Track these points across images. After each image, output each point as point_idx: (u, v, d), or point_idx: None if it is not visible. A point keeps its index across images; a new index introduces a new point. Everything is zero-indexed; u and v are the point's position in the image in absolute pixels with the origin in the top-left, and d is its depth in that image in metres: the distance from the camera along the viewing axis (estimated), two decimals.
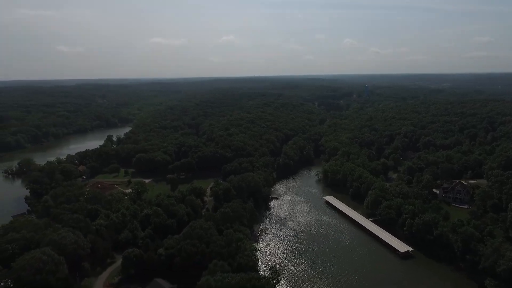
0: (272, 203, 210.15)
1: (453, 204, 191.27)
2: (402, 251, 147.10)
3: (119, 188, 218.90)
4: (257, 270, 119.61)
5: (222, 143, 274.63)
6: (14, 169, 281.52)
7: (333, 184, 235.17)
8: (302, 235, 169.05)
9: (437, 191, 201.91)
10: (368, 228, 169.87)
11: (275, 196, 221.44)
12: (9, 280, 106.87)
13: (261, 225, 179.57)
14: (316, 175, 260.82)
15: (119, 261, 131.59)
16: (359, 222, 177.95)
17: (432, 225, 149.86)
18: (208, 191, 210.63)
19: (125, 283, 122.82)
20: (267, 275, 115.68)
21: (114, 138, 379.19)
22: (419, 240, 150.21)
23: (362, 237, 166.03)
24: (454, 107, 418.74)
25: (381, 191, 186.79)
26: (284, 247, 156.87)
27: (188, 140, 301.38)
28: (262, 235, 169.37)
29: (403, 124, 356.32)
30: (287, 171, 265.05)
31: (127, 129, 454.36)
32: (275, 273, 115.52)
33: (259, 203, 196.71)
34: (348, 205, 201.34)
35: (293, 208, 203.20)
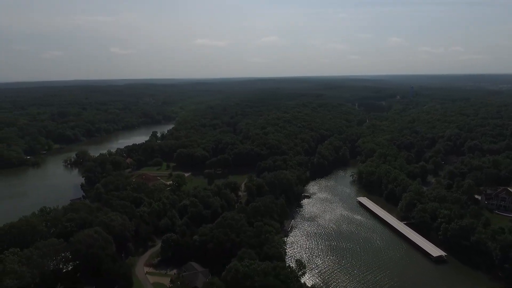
0: (304, 201, 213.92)
1: (496, 211, 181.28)
2: (435, 255, 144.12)
3: (161, 180, 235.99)
4: (283, 261, 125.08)
5: (258, 141, 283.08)
6: (72, 159, 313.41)
7: (367, 185, 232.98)
8: (332, 232, 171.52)
9: (479, 197, 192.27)
10: (400, 231, 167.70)
11: (308, 194, 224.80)
12: (68, 252, 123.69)
13: (292, 221, 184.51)
14: (350, 175, 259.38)
15: (159, 245, 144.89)
16: (392, 224, 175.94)
17: (470, 230, 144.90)
18: (243, 186, 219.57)
19: (163, 264, 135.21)
20: (292, 266, 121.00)
21: (158, 134, 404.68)
22: (454, 245, 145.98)
23: (394, 239, 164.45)
24: (508, 110, 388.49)
25: (416, 194, 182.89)
26: (313, 242, 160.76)
27: (225, 137, 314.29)
28: (292, 230, 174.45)
29: (447, 127, 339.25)
30: (321, 171, 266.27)
31: (170, 126, 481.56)
32: (301, 265, 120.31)
33: (291, 200, 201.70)
34: (382, 207, 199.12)
35: (325, 207, 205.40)
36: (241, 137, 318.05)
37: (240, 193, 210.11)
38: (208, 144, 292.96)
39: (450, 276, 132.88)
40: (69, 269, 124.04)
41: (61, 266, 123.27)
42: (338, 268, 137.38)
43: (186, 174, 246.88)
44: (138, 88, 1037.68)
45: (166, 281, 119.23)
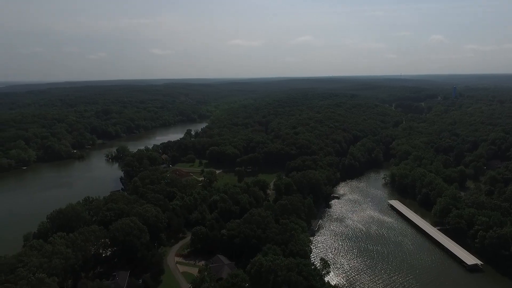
0: (333, 202, 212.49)
1: None
2: (469, 264, 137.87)
3: (193, 176, 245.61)
4: (308, 259, 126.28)
5: (288, 140, 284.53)
6: (113, 154, 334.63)
7: (400, 188, 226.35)
8: (360, 234, 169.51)
9: None
10: (433, 236, 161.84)
11: (337, 195, 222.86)
12: (107, 239, 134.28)
13: (319, 221, 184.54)
14: (382, 178, 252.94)
15: (189, 237, 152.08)
16: (424, 229, 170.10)
17: (510, 239, 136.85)
18: (272, 185, 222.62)
19: (193, 255, 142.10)
20: (317, 264, 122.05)
21: (193, 132, 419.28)
22: (491, 254, 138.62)
23: (426, 244, 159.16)
24: None
25: (452, 199, 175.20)
26: (340, 243, 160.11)
27: (256, 136, 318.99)
28: (319, 230, 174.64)
29: (492, 130, 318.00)
30: (352, 172, 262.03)
31: (204, 124, 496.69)
32: (325, 264, 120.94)
33: (319, 200, 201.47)
34: (415, 211, 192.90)
35: (354, 208, 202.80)
36: (272, 136, 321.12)
37: (268, 191, 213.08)
38: (239, 143, 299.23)
39: (485, 285, 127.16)
40: (108, 254, 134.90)
41: (101, 251, 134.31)
42: (364, 269, 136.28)
43: (217, 171, 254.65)
44: (175, 88, 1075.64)
45: (194, 271, 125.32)
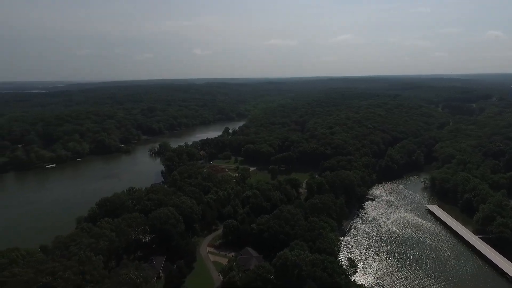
0: (367, 203, 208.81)
1: None
2: None
3: (228, 172, 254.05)
4: (335, 257, 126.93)
5: (323, 140, 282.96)
6: (156, 149, 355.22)
7: (440, 193, 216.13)
8: (393, 237, 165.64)
9: None
10: (473, 245, 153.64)
11: (371, 197, 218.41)
12: (147, 226, 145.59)
13: (351, 221, 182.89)
14: (422, 181, 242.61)
15: (221, 229, 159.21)
16: (464, 236, 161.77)
17: None
18: (304, 184, 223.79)
19: (224, 247, 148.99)
20: (344, 263, 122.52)
21: (230, 130, 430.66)
22: None
23: (465, 252, 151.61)
24: None
25: (497, 207, 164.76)
26: (371, 244, 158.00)
27: (291, 135, 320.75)
28: (350, 230, 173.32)
29: None
30: (390, 174, 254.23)
31: (242, 123, 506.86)
32: (352, 263, 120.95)
33: (352, 201, 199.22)
34: (455, 217, 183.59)
35: (389, 211, 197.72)
36: (307, 136, 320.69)
37: (301, 190, 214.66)
38: (275, 141, 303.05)
39: None
40: (147, 240, 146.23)
41: (141, 236, 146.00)
42: (394, 272, 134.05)
43: (252, 168, 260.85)
44: (215, 87, 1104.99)
45: (224, 261, 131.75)
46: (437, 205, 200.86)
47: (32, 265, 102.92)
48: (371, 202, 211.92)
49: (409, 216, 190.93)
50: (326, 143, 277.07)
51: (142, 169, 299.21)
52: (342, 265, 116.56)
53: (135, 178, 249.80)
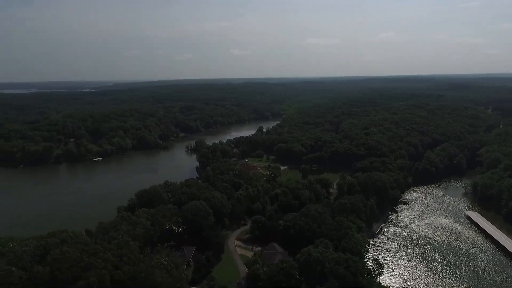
0: (400, 207, 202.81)
1: None
2: None
3: (260, 170, 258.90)
4: (361, 258, 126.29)
5: (357, 141, 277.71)
6: (192, 146, 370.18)
7: (482, 199, 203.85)
8: (426, 242, 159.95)
9: None
10: None
11: (405, 200, 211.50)
12: (179, 217, 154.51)
13: (382, 224, 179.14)
14: (462, 187, 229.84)
15: (249, 224, 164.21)
16: (507, 246, 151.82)
17: None
18: (335, 184, 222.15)
19: (251, 241, 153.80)
20: (369, 264, 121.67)
21: (264, 129, 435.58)
22: None
23: (506, 263, 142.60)
24: None
25: None
26: (401, 248, 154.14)
27: (324, 135, 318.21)
28: (380, 233, 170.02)
29: None
30: (427, 178, 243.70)
31: (276, 122, 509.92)
32: (378, 265, 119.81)
33: (385, 204, 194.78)
34: (498, 226, 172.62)
35: (424, 215, 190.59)
36: (341, 136, 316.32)
37: (331, 190, 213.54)
38: (307, 141, 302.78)
39: None
40: (179, 230, 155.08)
41: (174, 227, 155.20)
42: (424, 276, 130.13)
43: (284, 167, 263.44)
44: (252, 87, 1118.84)
45: (251, 255, 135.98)
46: (478, 212, 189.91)
47: (78, 245, 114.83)
48: (405, 205, 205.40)
49: (446, 221, 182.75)
50: (359, 143, 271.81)
51: (179, 164, 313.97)
52: (367, 265, 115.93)
53: (172, 173, 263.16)
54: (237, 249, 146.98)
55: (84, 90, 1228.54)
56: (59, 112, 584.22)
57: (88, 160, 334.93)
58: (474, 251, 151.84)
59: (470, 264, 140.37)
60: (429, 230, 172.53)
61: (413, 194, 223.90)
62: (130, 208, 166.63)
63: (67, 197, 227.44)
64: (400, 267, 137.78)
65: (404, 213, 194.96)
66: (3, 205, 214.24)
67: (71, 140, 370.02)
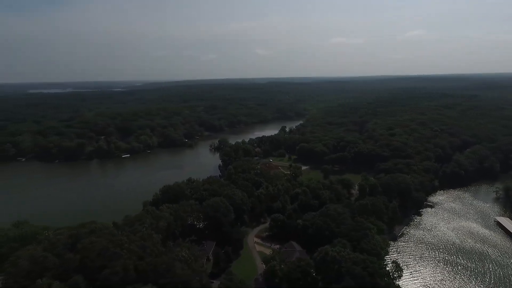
0: (425, 210, 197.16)
1: None
2: None
3: (281, 169, 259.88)
4: (381, 260, 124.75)
5: (381, 142, 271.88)
6: (216, 145, 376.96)
7: None
8: (451, 247, 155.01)
9: None
10: None
11: (431, 203, 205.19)
12: (200, 213, 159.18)
13: (405, 227, 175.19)
14: (494, 191, 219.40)
15: (268, 222, 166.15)
16: None
17: None
18: (357, 185, 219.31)
19: (270, 239, 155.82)
20: (389, 266, 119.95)
21: (287, 129, 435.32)
22: None
23: None
24: None
25: None
26: (424, 251, 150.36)
27: (347, 136, 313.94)
28: (402, 236, 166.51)
29: None
30: (455, 181, 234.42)
31: (300, 122, 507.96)
32: (398, 267, 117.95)
33: (408, 206, 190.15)
34: None
35: (450, 219, 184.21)
36: (365, 136, 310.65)
37: (353, 191, 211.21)
38: (329, 141, 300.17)
39: None
40: (200, 226, 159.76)
41: (195, 222, 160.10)
42: (446, 281, 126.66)
43: (305, 167, 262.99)
44: (275, 86, 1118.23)
45: (269, 252, 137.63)
46: (510, 218, 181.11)
47: (106, 236, 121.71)
48: (430, 208, 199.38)
49: (474, 226, 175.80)
50: (383, 144, 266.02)
51: (202, 162, 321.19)
52: (386, 267, 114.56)
53: (195, 170, 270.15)
54: (256, 246, 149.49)
55: (114, 90, 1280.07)
56: (91, 110, 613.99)
57: (117, 156, 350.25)
58: (503, 258, 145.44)
59: (498, 271, 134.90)
60: (455, 234, 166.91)
61: (439, 198, 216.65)
62: (155, 203, 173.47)
63: (97, 191, 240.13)
64: (423, 271, 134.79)
65: (429, 216, 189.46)
66: (41, 197, 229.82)
67: (102, 137, 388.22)
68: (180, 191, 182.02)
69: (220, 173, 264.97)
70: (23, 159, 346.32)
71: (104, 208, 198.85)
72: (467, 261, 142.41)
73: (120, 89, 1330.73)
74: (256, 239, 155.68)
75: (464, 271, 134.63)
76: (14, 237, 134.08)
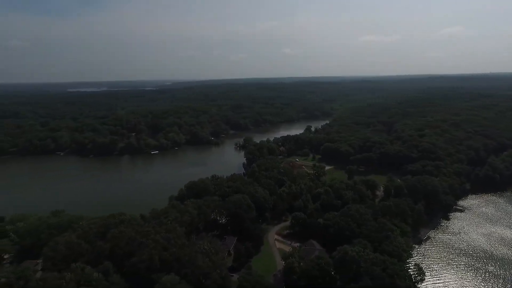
0: (454, 214, 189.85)
1: None
2: None
3: (305, 168, 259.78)
4: (402, 262, 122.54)
5: (409, 143, 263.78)
6: (241, 143, 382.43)
7: None
8: (481, 253, 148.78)
9: None
10: None
11: (460, 207, 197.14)
12: (223, 209, 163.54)
13: (431, 230, 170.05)
14: None
15: (290, 221, 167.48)
16: None
17: None
18: (382, 187, 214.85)
19: (290, 236, 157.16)
20: (411, 269, 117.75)
21: (313, 129, 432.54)
22: None
23: None
24: None
25: None
26: (451, 256, 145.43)
27: (374, 136, 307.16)
28: (428, 240, 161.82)
29: None
30: (489, 185, 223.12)
31: (326, 122, 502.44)
32: (420, 271, 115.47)
33: (435, 210, 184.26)
34: None
35: (481, 224, 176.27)
36: (392, 137, 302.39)
37: (378, 193, 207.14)
38: (355, 141, 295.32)
39: None
40: (223, 221, 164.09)
41: (218, 217, 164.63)
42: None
43: (329, 167, 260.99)
44: (302, 86, 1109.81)
45: (288, 249, 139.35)
46: None
47: (133, 227, 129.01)
48: (459, 213, 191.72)
49: (507, 233, 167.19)
50: (412, 145, 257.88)
51: (227, 160, 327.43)
52: (407, 269, 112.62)
53: (220, 168, 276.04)
54: (276, 243, 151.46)
55: (146, 89, 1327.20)
56: (123, 108, 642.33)
57: (146, 153, 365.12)
58: None
59: None
60: (486, 240, 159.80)
61: (470, 202, 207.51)
62: (180, 198, 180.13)
63: (127, 185, 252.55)
64: (448, 276, 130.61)
65: (457, 220, 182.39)
66: (76, 188, 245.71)
67: (133, 134, 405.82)
68: (204, 187, 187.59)
69: (244, 171, 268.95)
70: (62, 153, 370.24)
71: (133, 201, 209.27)
72: (497, 268, 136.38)
73: (151, 88, 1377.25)
74: (276, 237, 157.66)
75: (493, 279, 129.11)
76: (52, 224, 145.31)
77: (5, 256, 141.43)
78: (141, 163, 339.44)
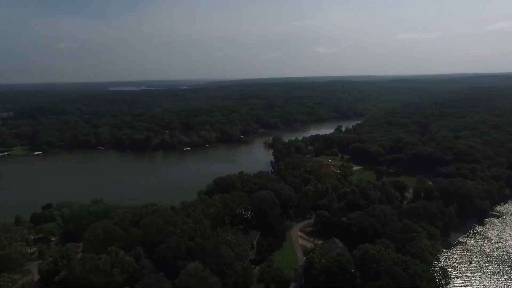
0: (489, 219, 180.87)
1: None
2: None
3: (332, 168, 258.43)
4: (428, 264, 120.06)
5: (443, 144, 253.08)
6: (270, 142, 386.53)
7: None
8: None
9: None
10: None
11: (497, 213, 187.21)
12: (248, 204, 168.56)
13: (463, 235, 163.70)
14: None
15: (313, 218, 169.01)
16: None
17: None
18: (412, 188, 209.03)
19: (313, 234, 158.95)
20: (436, 272, 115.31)
21: (343, 128, 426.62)
22: None
23: None
24: None
25: None
26: (482, 263, 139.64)
27: (406, 137, 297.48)
28: (459, 244, 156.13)
29: None
30: None
31: (357, 122, 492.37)
32: (445, 274, 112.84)
33: (469, 214, 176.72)
34: None
35: None
36: (426, 138, 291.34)
37: (407, 194, 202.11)
38: (386, 142, 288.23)
39: None
40: (248, 216, 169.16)
41: (243, 212, 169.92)
42: None
43: (358, 167, 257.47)
44: (335, 85, 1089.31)
45: (310, 246, 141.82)
46: None
47: (164, 217, 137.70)
48: (496, 218, 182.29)
49: None
50: (446, 147, 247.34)
51: (256, 158, 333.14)
52: (431, 272, 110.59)
53: (248, 165, 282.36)
54: (299, 239, 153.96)
55: (181, 88, 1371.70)
56: (159, 106, 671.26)
57: (179, 149, 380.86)
58: None
59: None
60: None
61: (509, 207, 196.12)
62: (208, 192, 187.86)
63: (161, 179, 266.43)
64: (476, 281, 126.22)
65: (493, 226, 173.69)
66: (116, 181, 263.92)
67: (167, 131, 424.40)
68: (232, 183, 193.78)
69: (272, 169, 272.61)
70: (102, 148, 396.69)
71: (165, 193, 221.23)
72: None
73: (185, 87, 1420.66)
74: (300, 233, 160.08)
75: None
76: (92, 212, 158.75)
77: (52, 239, 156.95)
78: (174, 159, 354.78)
